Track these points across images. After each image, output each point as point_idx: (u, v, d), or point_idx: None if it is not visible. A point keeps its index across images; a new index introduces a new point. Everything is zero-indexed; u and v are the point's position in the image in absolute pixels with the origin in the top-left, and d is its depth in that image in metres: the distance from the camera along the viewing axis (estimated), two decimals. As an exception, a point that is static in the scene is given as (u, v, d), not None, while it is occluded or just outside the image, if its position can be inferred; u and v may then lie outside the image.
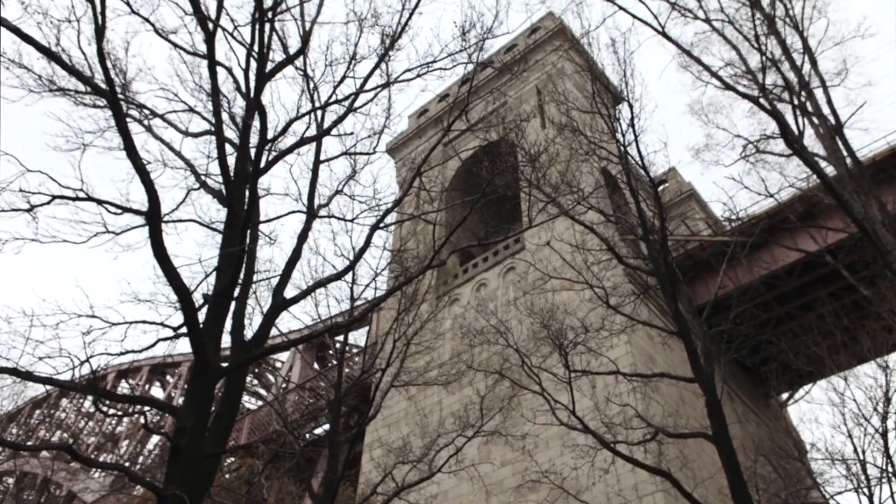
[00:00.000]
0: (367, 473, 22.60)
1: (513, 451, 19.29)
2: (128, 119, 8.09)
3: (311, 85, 10.20)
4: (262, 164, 9.07)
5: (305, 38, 9.59)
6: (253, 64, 9.18)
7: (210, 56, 7.72)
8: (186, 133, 10.56)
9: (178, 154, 10.42)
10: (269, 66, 9.33)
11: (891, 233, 10.96)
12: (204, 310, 8.25)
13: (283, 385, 30.92)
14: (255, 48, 8.97)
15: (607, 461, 13.36)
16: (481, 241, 20.27)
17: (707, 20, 12.25)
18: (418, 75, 10.19)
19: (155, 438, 37.04)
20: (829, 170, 12.19)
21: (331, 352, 33.08)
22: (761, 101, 11.00)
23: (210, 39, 7.71)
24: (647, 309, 20.52)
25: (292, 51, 9.87)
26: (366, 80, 10.21)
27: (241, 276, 8.59)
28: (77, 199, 8.15)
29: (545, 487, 15.85)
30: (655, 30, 10.86)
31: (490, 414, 14.76)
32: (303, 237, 9.62)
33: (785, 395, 29.54)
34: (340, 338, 14.90)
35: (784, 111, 11.40)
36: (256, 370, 37.00)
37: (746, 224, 19.40)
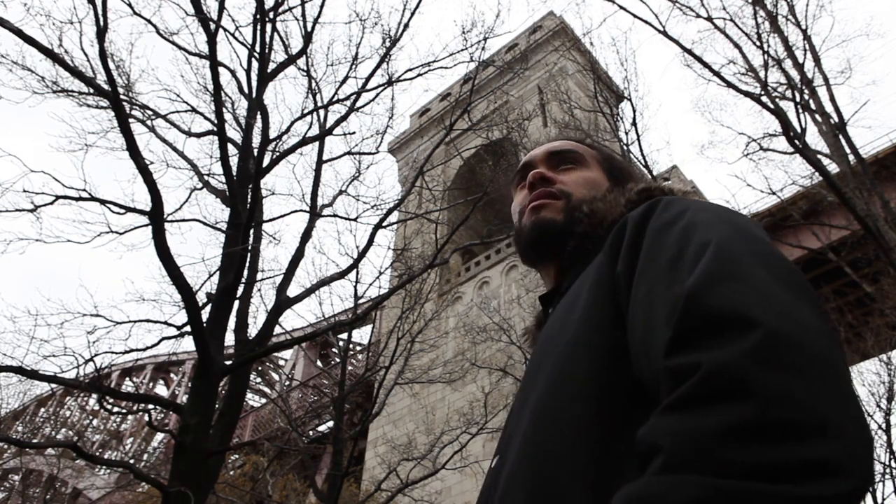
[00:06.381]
0: (371, 470, 22.67)
1: (516, 448, 19.32)
2: (130, 120, 8.13)
3: (314, 85, 10.24)
4: (265, 163, 9.11)
5: (307, 37, 9.62)
6: (255, 64, 9.23)
7: (212, 56, 7.74)
8: (189, 133, 10.61)
9: (181, 154, 10.47)
10: (271, 66, 9.37)
11: (894, 230, 10.94)
12: (207, 308, 8.30)
13: (287, 383, 31.00)
14: (257, 48, 9.02)
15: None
16: (484, 239, 20.30)
17: (709, 18, 12.22)
18: (419, 74, 10.21)
19: (159, 436, 37.16)
20: (833, 167, 12.17)
21: (334, 350, 33.14)
22: (763, 98, 10.99)
23: (212, 40, 7.73)
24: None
25: (294, 51, 9.92)
26: (368, 79, 10.24)
27: (245, 274, 8.62)
28: (80, 199, 8.21)
29: (548, 484, 15.87)
30: (656, 29, 10.84)
31: (494, 411, 14.81)
32: (306, 236, 9.65)
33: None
34: (344, 336, 14.94)
35: (787, 109, 11.39)
36: (260, 368, 37.07)
37: (749, 221, 19.34)
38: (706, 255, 0.66)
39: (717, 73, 10.86)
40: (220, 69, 8.46)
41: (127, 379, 42.10)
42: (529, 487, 0.69)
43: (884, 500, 15.43)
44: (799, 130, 10.76)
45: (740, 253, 0.66)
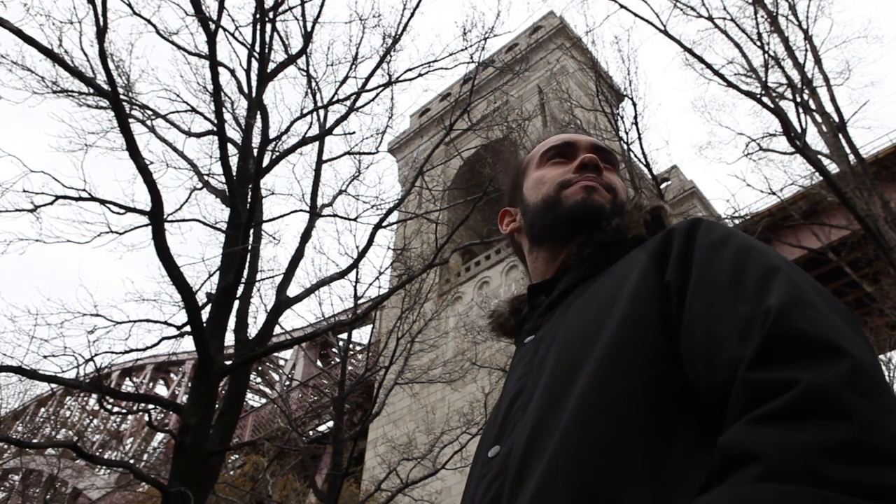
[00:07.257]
0: (371, 470, 22.67)
1: (516, 448, 19.29)
2: (130, 120, 8.13)
3: (314, 85, 10.24)
4: (265, 163, 9.11)
5: (307, 37, 9.62)
6: (254, 64, 9.23)
7: (212, 56, 7.74)
8: (189, 133, 10.61)
9: (181, 154, 10.47)
10: (271, 66, 9.37)
11: (894, 230, 10.93)
12: (207, 308, 8.29)
13: (287, 383, 31.00)
14: (257, 48, 9.01)
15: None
16: (484, 239, 20.30)
17: (710, 17, 12.22)
18: (420, 75, 10.21)
19: (159, 436, 37.19)
20: (833, 167, 12.16)
21: (334, 350, 33.16)
22: (763, 98, 10.98)
23: (212, 40, 7.72)
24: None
25: (294, 51, 9.92)
26: (367, 79, 10.24)
27: (245, 274, 8.62)
28: (80, 199, 8.21)
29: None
30: (657, 28, 10.84)
31: (493, 411, 14.79)
32: (306, 236, 9.65)
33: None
34: (344, 336, 14.94)
35: (787, 109, 11.39)
36: (260, 368, 37.08)
37: (749, 222, 19.37)
38: (778, 280, 0.70)
39: (717, 73, 10.86)
40: (220, 69, 8.46)
41: (127, 379, 42.10)
42: (578, 487, 0.69)
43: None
44: (799, 130, 10.76)
45: (803, 283, 0.71)
